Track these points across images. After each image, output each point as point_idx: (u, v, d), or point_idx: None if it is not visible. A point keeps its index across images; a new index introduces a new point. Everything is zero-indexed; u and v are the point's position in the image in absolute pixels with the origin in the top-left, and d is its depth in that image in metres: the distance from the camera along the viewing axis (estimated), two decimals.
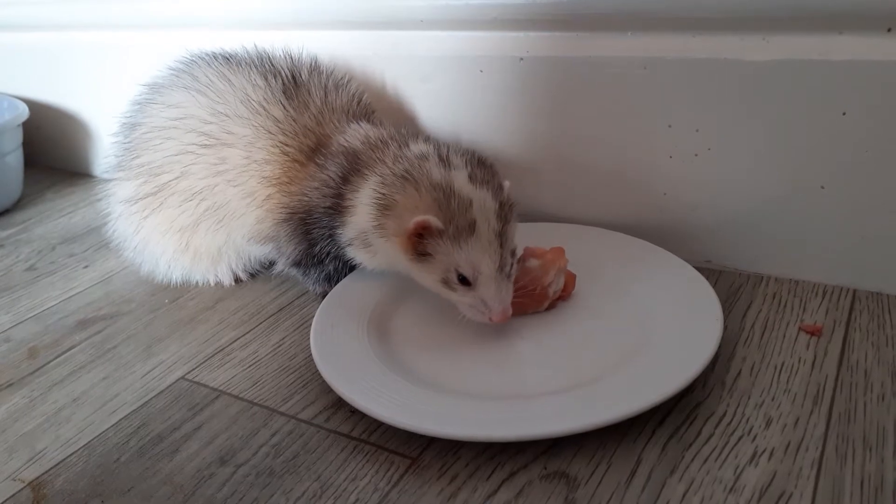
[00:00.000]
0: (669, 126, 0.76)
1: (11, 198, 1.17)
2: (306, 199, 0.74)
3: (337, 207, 0.71)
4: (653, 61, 0.74)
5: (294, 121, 0.75)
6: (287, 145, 0.75)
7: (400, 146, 0.71)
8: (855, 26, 0.65)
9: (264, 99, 0.76)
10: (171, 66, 0.83)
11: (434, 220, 0.62)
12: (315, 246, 0.75)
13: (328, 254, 0.75)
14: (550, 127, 0.83)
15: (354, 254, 0.73)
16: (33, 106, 1.21)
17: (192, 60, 0.82)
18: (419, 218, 0.62)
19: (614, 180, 0.82)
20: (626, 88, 0.76)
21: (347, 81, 0.83)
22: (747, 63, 0.70)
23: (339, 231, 0.72)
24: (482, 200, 0.63)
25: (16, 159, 1.17)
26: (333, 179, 0.72)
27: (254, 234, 0.78)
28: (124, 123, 0.84)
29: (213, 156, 0.76)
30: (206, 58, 0.81)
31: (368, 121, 0.79)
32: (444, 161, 0.66)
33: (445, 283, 0.65)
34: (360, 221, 0.69)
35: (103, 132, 1.21)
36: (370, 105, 0.84)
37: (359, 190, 0.69)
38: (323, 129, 0.76)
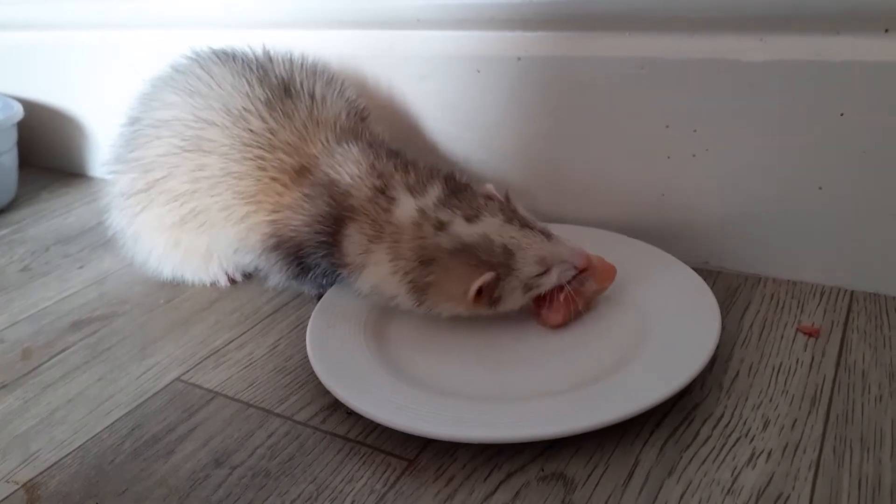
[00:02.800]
0: (667, 126, 0.76)
1: (6, 198, 1.17)
2: (294, 233, 0.71)
3: (334, 252, 0.70)
4: (650, 61, 0.74)
5: (272, 134, 0.73)
6: (263, 160, 0.72)
7: (387, 205, 0.67)
8: (852, 27, 0.65)
9: (244, 108, 0.74)
10: (175, 63, 0.81)
11: (487, 279, 0.63)
12: (309, 272, 0.74)
13: (324, 275, 0.74)
14: (547, 127, 0.82)
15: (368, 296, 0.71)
16: (28, 106, 1.20)
17: (194, 59, 0.80)
18: (474, 289, 0.63)
19: (612, 181, 0.81)
20: (623, 88, 0.76)
21: (343, 89, 0.80)
22: (745, 63, 0.69)
23: (344, 276, 0.71)
24: (493, 227, 0.64)
25: (10, 159, 1.16)
26: (325, 217, 0.69)
27: (239, 248, 0.77)
28: (128, 116, 0.83)
29: (194, 162, 0.75)
30: (205, 57, 0.80)
31: (358, 136, 0.75)
32: (439, 224, 0.65)
33: (529, 289, 0.65)
34: (383, 289, 0.67)
35: (99, 132, 1.22)
36: (364, 110, 0.82)
37: (368, 253, 0.67)
38: (308, 147, 0.73)
